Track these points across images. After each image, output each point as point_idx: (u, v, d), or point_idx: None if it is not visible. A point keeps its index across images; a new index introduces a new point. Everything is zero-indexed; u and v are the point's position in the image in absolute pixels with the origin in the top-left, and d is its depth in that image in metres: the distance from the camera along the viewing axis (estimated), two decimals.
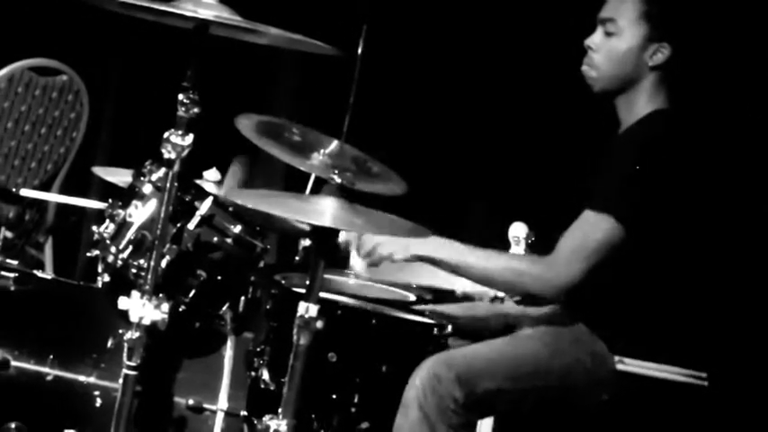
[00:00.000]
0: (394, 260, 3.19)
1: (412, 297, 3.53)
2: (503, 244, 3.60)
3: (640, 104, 3.24)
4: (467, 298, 3.59)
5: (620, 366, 3.15)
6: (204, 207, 3.14)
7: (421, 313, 3.34)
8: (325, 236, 2.76)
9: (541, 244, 3.52)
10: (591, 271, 3.06)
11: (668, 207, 3.13)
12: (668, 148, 3.16)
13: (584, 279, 3.06)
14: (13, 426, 3.28)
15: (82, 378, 3.34)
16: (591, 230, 3.08)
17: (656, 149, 3.14)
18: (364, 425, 3.13)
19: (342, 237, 3.30)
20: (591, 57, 3.26)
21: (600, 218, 3.08)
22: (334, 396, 3.14)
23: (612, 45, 3.23)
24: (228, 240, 3.19)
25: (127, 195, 3.18)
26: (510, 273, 3.13)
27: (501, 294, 3.54)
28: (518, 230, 3.60)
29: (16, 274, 3.41)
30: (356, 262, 3.38)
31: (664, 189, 3.11)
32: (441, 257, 3.16)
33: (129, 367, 2.81)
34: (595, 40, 3.26)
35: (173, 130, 2.80)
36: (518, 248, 3.58)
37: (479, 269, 3.15)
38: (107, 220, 3.18)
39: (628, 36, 3.22)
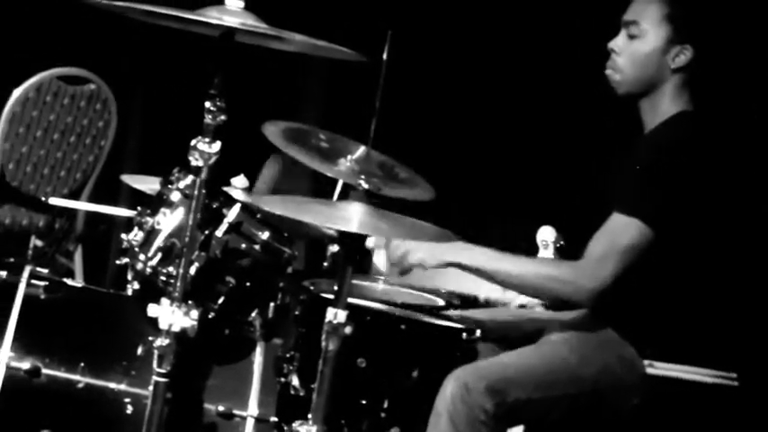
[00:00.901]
0: (425, 267, 3.20)
1: (441, 302, 3.53)
2: (531, 248, 3.60)
3: (664, 106, 3.23)
4: (489, 304, 3.59)
5: (649, 370, 3.14)
6: (232, 214, 3.14)
7: (450, 318, 3.34)
8: (352, 242, 2.77)
9: (570, 248, 3.52)
10: (621, 274, 3.05)
11: (695, 208, 3.12)
12: (694, 149, 3.15)
13: (615, 283, 3.06)
14: None
15: (112, 385, 3.35)
16: (620, 234, 3.07)
17: (682, 151, 3.14)
18: (394, 430, 3.13)
19: (370, 241, 3.30)
20: (614, 60, 3.26)
21: (628, 221, 3.07)
22: (363, 401, 3.14)
23: (635, 48, 3.23)
24: (256, 247, 3.19)
25: (155, 203, 3.19)
26: (540, 278, 3.12)
27: (525, 301, 3.53)
28: (546, 234, 3.60)
29: (47, 283, 3.42)
30: (379, 261, 3.38)
31: (691, 190, 3.11)
32: (471, 263, 3.16)
33: (160, 374, 2.82)
34: (619, 43, 3.26)
35: (200, 137, 2.81)
36: (546, 252, 3.58)
37: (509, 275, 3.14)
38: (136, 228, 3.20)
39: (651, 38, 3.21)
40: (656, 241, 3.06)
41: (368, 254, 3.37)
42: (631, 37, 3.24)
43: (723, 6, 3.38)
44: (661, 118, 3.23)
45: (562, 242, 3.59)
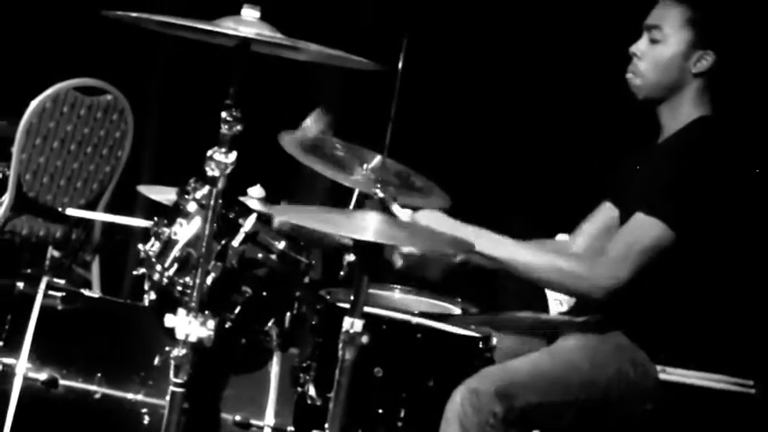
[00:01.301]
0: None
1: (457, 311, 3.52)
2: None
3: (684, 111, 3.23)
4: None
5: (662, 376, 3.13)
6: (248, 224, 3.14)
7: (466, 326, 3.33)
8: (368, 251, 2.76)
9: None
10: (637, 274, 3.05)
11: (717, 213, 3.11)
12: (716, 153, 3.14)
13: (631, 282, 3.04)
14: None
15: (130, 396, 3.36)
16: (641, 234, 3.07)
17: (704, 154, 3.13)
18: None
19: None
20: (636, 64, 3.26)
21: (650, 221, 3.06)
22: (380, 411, 3.13)
23: (657, 52, 3.23)
24: (273, 257, 3.19)
25: (172, 213, 3.20)
26: (557, 272, 3.11)
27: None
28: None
29: (64, 293, 3.43)
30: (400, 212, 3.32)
31: (714, 196, 3.10)
32: (488, 252, 3.14)
33: (177, 384, 2.82)
34: (640, 47, 3.25)
35: (216, 147, 2.82)
36: None
37: (527, 265, 3.13)
38: (152, 239, 3.20)
39: (672, 43, 3.21)
40: (676, 245, 3.05)
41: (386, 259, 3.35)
42: (653, 41, 3.23)
43: (745, 11, 3.37)
44: (681, 123, 3.23)
45: None
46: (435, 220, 3.18)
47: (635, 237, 3.07)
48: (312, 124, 3.27)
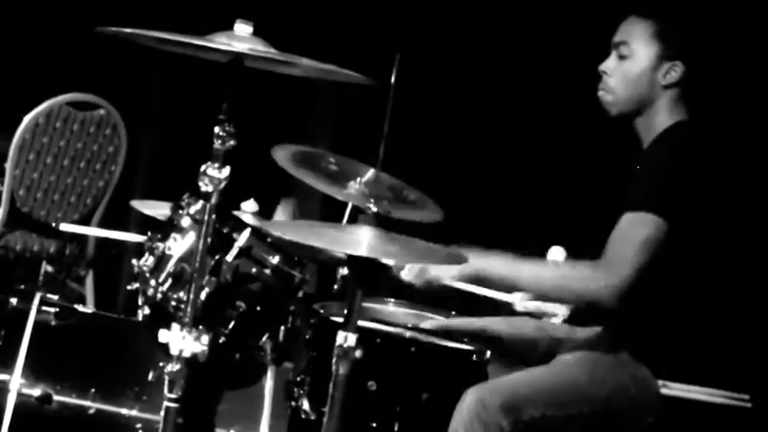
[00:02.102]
0: (443, 283, 3.20)
1: (447, 320, 3.52)
2: None
3: (660, 121, 3.24)
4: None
5: (663, 390, 3.14)
6: (242, 239, 3.15)
7: (460, 340, 3.33)
8: (362, 265, 2.77)
9: None
10: (641, 271, 3.04)
11: (704, 204, 3.12)
12: (695, 150, 3.16)
13: (638, 279, 3.04)
14: None
15: (124, 411, 3.36)
16: (634, 230, 3.07)
17: (683, 151, 3.15)
18: None
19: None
20: (606, 81, 3.28)
21: (640, 216, 3.07)
22: (374, 425, 3.13)
23: (626, 68, 3.25)
24: (267, 271, 3.19)
25: (165, 228, 3.20)
26: (564, 279, 3.12)
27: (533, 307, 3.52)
28: (556, 255, 3.60)
29: (57, 309, 3.43)
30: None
31: (697, 185, 3.11)
32: (492, 271, 3.16)
33: (171, 399, 2.82)
34: (609, 64, 3.28)
35: (209, 162, 2.82)
36: None
37: (532, 278, 3.15)
38: (146, 254, 3.20)
39: (640, 57, 3.23)
40: (669, 233, 3.04)
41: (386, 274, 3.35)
42: (621, 57, 3.26)
43: (711, 20, 3.39)
44: (657, 131, 3.24)
45: None
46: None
47: (629, 234, 3.07)
48: (281, 214, 3.31)
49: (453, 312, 3.58)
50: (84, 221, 5.14)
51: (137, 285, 3.20)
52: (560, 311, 3.55)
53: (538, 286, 3.17)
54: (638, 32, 3.23)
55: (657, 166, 3.12)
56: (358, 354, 2.74)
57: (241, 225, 3.19)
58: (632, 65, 3.24)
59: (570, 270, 3.16)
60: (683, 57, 3.21)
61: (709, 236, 3.14)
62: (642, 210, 3.07)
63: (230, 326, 3.14)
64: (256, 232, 3.18)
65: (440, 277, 3.21)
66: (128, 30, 2.78)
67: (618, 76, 3.26)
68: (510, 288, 3.24)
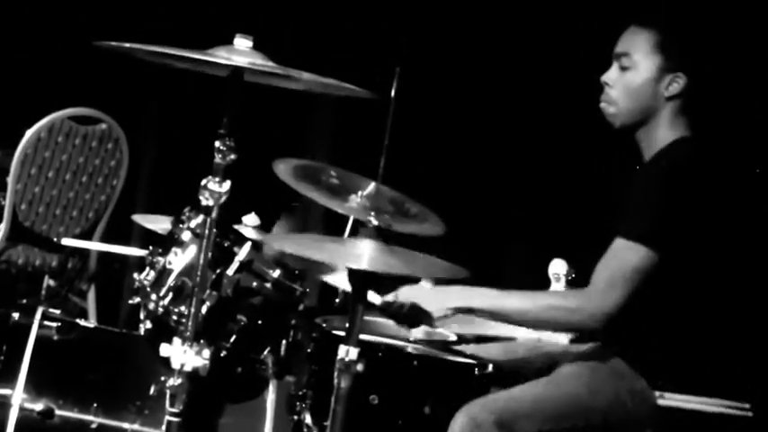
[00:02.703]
0: (434, 319, 3.20)
1: (453, 337, 3.52)
2: (542, 281, 3.59)
3: (661, 135, 3.23)
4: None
5: (661, 401, 3.13)
6: (243, 252, 3.15)
7: (462, 353, 3.33)
8: (363, 279, 2.77)
9: (581, 280, 3.51)
10: (628, 299, 3.05)
11: (699, 232, 3.11)
12: (693, 173, 3.14)
13: (622, 308, 3.05)
14: None
15: (126, 425, 3.35)
16: (624, 259, 3.07)
17: (681, 175, 3.13)
18: None
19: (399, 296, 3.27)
20: (608, 93, 3.27)
21: (630, 245, 3.06)
22: None
23: (628, 79, 3.24)
24: (268, 285, 3.20)
25: (166, 243, 3.20)
26: (550, 310, 3.12)
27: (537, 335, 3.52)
28: (558, 267, 3.60)
29: (59, 323, 3.43)
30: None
31: (692, 214, 3.10)
32: (477, 306, 3.16)
33: (173, 414, 2.82)
34: (611, 75, 3.27)
35: (210, 176, 2.82)
36: (558, 285, 3.57)
37: (519, 312, 3.14)
38: (148, 268, 3.20)
39: (642, 69, 3.22)
40: (660, 265, 3.05)
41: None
42: (623, 68, 3.25)
43: (713, 31, 3.39)
44: (658, 146, 3.23)
45: (573, 275, 3.59)
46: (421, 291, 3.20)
47: (618, 263, 3.07)
48: (282, 227, 3.31)
49: (455, 325, 3.57)
50: (86, 236, 5.14)
51: (138, 300, 3.21)
52: (564, 339, 3.56)
53: (524, 318, 3.17)
54: (640, 43, 3.22)
55: (653, 192, 3.11)
56: (360, 367, 2.74)
57: (242, 239, 3.19)
58: (634, 76, 3.23)
59: (557, 300, 3.17)
60: (685, 68, 3.20)
61: (704, 259, 3.14)
62: (633, 239, 3.06)
63: (232, 340, 3.15)
64: (257, 246, 3.18)
65: (430, 321, 3.21)
66: (127, 44, 2.79)
67: (620, 88, 3.25)
68: (496, 321, 3.24)
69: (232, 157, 2.83)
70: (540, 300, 3.16)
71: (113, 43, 2.80)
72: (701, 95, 3.24)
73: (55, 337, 3.42)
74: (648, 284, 3.06)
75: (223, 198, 2.83)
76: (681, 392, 3.12)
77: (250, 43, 2.83)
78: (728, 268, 3.22)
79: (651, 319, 3.13)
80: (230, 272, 3.13)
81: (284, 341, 3.26)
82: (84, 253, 5.14)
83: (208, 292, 3.05)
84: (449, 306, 3.15)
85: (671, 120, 3.23)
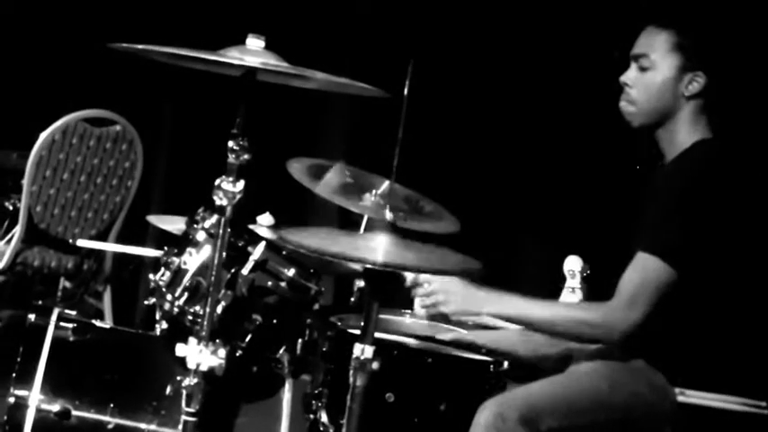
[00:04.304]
0: (466, 322, 3.22)
1: (465, 332, 3.52)
2: (558, 278, 3.59)
3: (682, 135, 3.23)
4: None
5: (680, 398, 3.13)
6: (257, 252, 3.15)
7: (477, 350, 3.33)
8: (379, 276, 2.77)
9: (596, 277, 3.51)
10: (650, 313, 3.06)
11: (719, 238, 3.11)
12: (713, 179, 3.14)
13: (646, 320, 3.06)
14: None
15: (142, 426, 3.36)
16: (647, 274, 3.08)
17: (701, 182, 3.13)
18: None
19: (409, 279, 3.29)
20: (628, 93, 3.27)
21: (653, 260, 3.07)
22: None
23: (648, 79, 3.24)
24: (283, 284, 3.20)
25: (181, 243, 3.21)
26: (572, 323, 3.14)
27: None
28: (573, 264, 3.59)
29: (75, 324, 3.43)
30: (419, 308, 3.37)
31: (713, 222, 3.10)
32: (503, 313, 3.20)
33: (189, 413, 2.82)
34: (630, 76, 3.27)
35: (224, 176, 2.83)
36: (573, 282, 3.57)
37: (542, 321, 3.17)
38: (163, 268, 3.21)
39: (662, 69, 3.22)
40: (682, 278, 3.06)
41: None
42: (642, 69, 3.24)
43: (732, 30, 3.38)
44: (679, 148, 3.23)
45: (588, 271, 3.59)
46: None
47: (641, 278, 3.08)
48: (333, 177, 3.29)
49: (470, 323, 3.57)
50: (101, 237, 5.15)
51: (153, 300, 3.21)
52: None
53: (550, 329, 3.20)
54: (659, 44, 3.22)
55: (677, 204, 3.11)
56: (375, 365, 2.73)
57: (256, 238, 3.20)
58: (654, 76, 3.23)
59: (581, 313, 3.18)
60: (704, 67, 3.20)
61: (725, 264, 3.14)
62: (656, 255, 3.07)
63: (247, 339, 3.15)
64: (272, 245, 3.18)
65: (452, 317, 3.23)
66: (140, 46, 2.79)
67: (640, 88, 3.25)
68: (526, 329, 3.28)
69: (246, 156, 2.84)
70: (563, 311, 3.20)
71: (126, 45, 2.81)
72: (720, 95, 3.23)
73: (71, 338, 3.43)
74: (671, 293, 3.06)
75: (237, 198, 2.83)
76: (699, 390, 3.12)
77: (262, 43, 2.84)
78: (749, 269, 3.21)
79: (671, 319, 3.13)
80: (245, 271, 3.13)
81: (300, 340, 3.26)
82: (100, 254, 5.15)
83: (223, 291, 3.06)
84: (475, 310, 3.18)
85: (691, 120, 3.23)
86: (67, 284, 5.20)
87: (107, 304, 5.17)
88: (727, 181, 3.16)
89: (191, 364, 2.81)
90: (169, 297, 3.15)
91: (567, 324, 3.14)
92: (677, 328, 3.15)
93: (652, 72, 3.23)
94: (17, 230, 4.94)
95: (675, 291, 3.06)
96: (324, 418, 3.21)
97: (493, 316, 3.21)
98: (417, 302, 3.40)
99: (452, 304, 3.21)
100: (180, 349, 2.82)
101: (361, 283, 3.61)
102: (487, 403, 3.03)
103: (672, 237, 3.08)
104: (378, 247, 2.71)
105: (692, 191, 3.11)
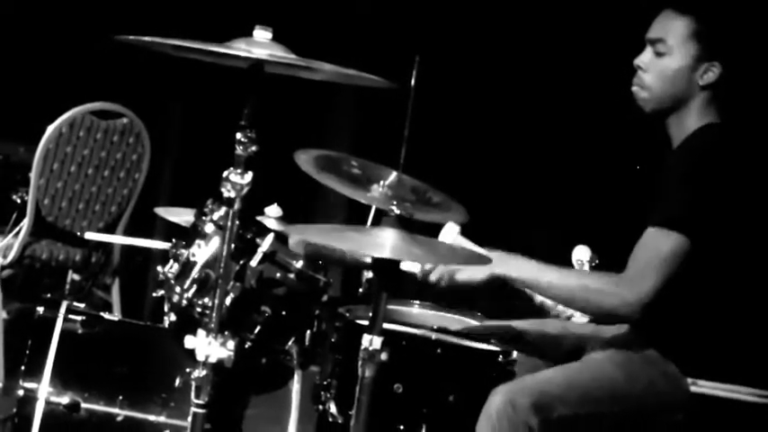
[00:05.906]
0: (473, 283, 3.19)
1: (476, 323, 3.52)
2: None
3: (691, 121, 3.22)
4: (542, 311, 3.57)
5: (693, 388, 3.12)
6: (266, 244, 3.15)
7: (486, 340, 3.33)
8: (386, 268, 2.77)
9: (605, 267, 3.51)
10: (662, 286, 3.04)
11: (730, 217, 3.10)
12: (723, 157, 3.13)
13: (658, 294, 3.04)
14: None
15: (152, 417, 3.37)
16: (657, 246, 3.06)
17: (710, 159, 3.12)
18: None
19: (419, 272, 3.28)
20: (641, 77, 3.25)
21: (663, 232, 3.05)
22: (401, 427, 3.13)
23: (663, 65, 3.22)
24: (291, 276, 3.20)
25: (190, 235, 3.21)
26: (585, 291, 3.11)
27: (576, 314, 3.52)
28: (581, 254, 3.59)
29: (84, 317, 3.44)
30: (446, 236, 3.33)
31: (722, 197, 3.09)
32: (518, 276, 3.16)
33: (198, 405, 2.83)
34: (644, 59, 3.24)
35: (232, 168, 2.83)
36: None
37: (555, 287, 3.14)
38: (171, 260, 3.21)
39: (678, 56, 3.20)
40: (693, 250, 3.04)
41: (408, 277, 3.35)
42: (658, 54, 3.22)
43: (749, 21, 3.36)
44: (688, 132, 3.22)
45: (597, 261, 3.58)
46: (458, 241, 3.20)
47: (651, 251, 3.06)
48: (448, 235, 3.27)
49: (479, 314, 3.57)
50: (109, 229, 5.16)
51: (162, 292, 3.22)
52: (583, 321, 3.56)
53: (560, 295, 3.18)
54: (676, 29, 3.20)
55: (683, 179, 3.10)
56: (384, 356, 2.74)
57: (264, 230, 3.20)
58: (670, 62, 3.21)
59: (593, 281, 3.15)
60: (721, 57, 3.18)
61: (735, 245, 3.13)
62: (665, 227, 3.05)
63: (256, 331, 3.15)
64: (280, 237, 3.18)
65: (467, 281, 3.21)
66: (147, 38, 2.79)
67: (654, 73, 3.23)
68: (533, 292, 3.25)
69: (253, 148, 2.83)
70: (578, 279, 3.16)
71: (133, 37, 2.81)
72: (733, 85, 3.22)
73: (80, 331, 3.44)
74: (682, 271, 3.04)
75: (245, 189, 2.83)
76: (711, 380, 3.12)
77: (270, 35, 2.84)
78: (760, 255, 3.21)
79: (683, 306, 3.12)
80: (254, 263, 3.13)
81: (308, 331, 3.26)
82: (108, 247, 5.16)
83: (231, 283, 3.06)
84: (490, 271, 3.15)
85: (702, 108, 3.22)
86: (76, 277, 5.21)
87: (115, 297, 5.18)
88: (735, 161, 3.15)
89: (200, 356, 2.81)
90: (178, 289, 3.16)
91: (581, 292, 3.11)
92: (689, 317, 3.14)
93: (668, 58, 3.21)
94: (25, 223, 4.95)
95: (686, 264, 3.04)
96: (333, 409, 3.21)
97: (504, 278, 3.17)
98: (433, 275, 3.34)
99: (465, 271, 3.18)
100: (189, 341, 2.82)
101: (369, 274, 3.60)
102: (498, 389, 3.03)
103: (680, 208, 3.06)
104: (385, 243, 2.72)
105: (699, 168, 3.10)
